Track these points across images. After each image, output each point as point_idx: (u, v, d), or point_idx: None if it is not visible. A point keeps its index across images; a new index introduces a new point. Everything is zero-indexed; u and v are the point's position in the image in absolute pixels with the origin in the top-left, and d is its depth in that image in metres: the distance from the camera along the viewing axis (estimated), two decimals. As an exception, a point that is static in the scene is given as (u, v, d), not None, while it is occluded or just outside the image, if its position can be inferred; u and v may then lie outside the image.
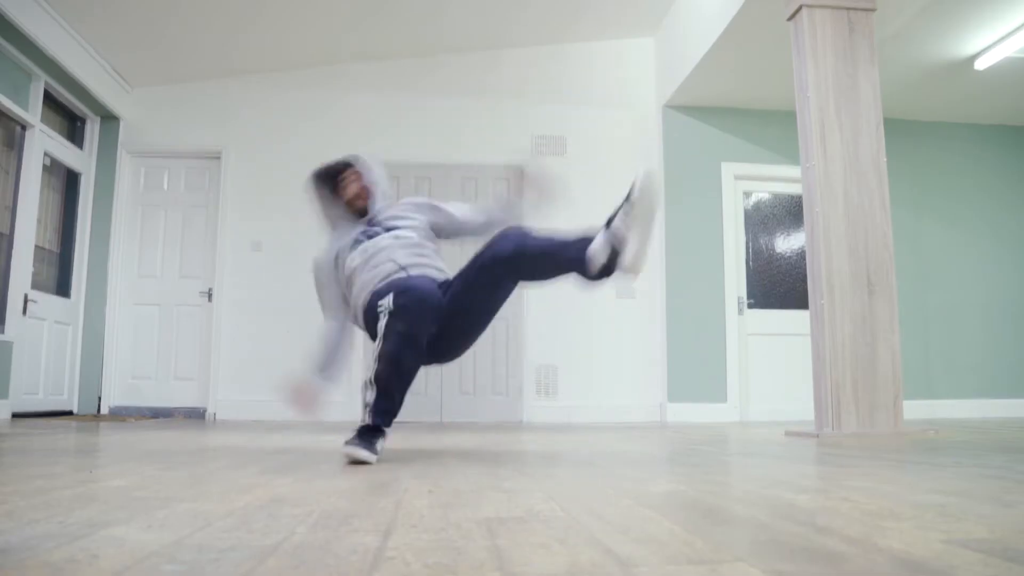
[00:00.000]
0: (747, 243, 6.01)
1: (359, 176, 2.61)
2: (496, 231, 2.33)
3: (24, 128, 5.13)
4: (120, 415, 5.56)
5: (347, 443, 2.03)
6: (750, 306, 5.91)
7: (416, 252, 2.45)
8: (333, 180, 2.64)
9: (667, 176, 5.93)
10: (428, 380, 5.65)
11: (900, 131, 6.15)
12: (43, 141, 5.28)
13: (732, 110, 6.03)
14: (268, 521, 1.06)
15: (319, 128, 6.01)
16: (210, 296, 5.83)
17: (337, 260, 2.52)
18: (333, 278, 2.53)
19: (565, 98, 6.16)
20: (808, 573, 0.74)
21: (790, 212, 6.08)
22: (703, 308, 5.79)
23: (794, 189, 5.97)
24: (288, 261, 5.82)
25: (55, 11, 4.90)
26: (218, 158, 5.98)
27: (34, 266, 5.23)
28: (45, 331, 5.31)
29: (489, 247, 2.24)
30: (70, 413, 5.57)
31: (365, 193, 2.59)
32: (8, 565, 0.77)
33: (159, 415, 5.66)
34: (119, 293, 5.85)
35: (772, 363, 5.82)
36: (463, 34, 5.91)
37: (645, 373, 5.84)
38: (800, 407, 5.59)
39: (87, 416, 5.41)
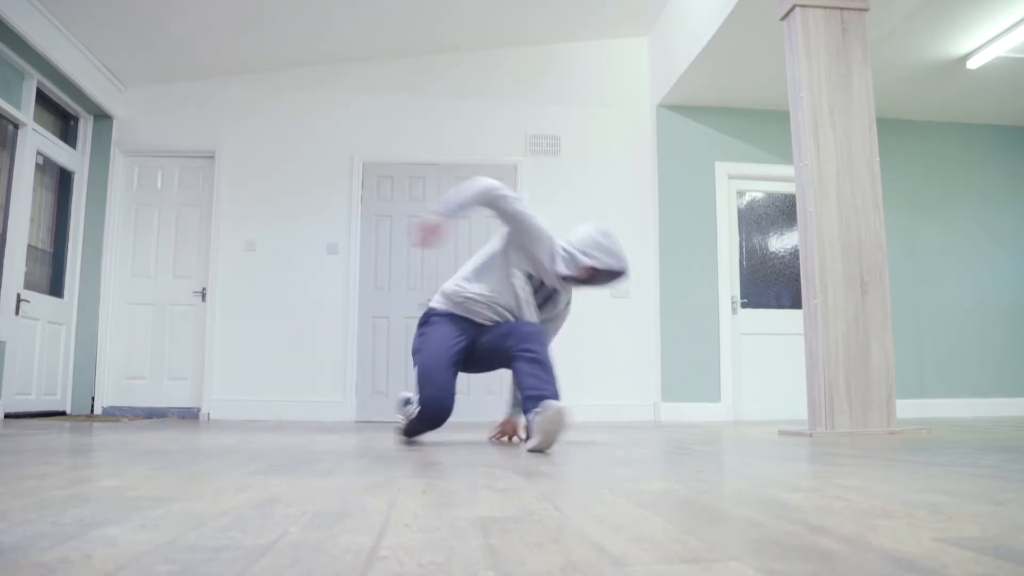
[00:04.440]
0: (741, 243, 6.02)
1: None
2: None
3: (16, 127, 5.11)
4: (113, 415, 5.55)
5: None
6: (743, 305, 5.92)
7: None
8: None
9: (661, 175, 5.95)
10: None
11: (893, 130, 6.18)
12: (36, 140, 5.26)
13: (726, 109, 6.04)
14: (262, 521, 1.06)
15: (313, 127, 6.00)
16: (204, 296, 5.82)
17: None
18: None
19: (559, 97, 6.16)
20: (801, 571, 0.74)
21: (783, 211, 6.10)
22: (697, 307, 5.80)
23: (788, 188, 5.99)
24: (282, 261, 5.82)
25: (47, 9, 4.88)
26: (212, 157, 5.97)
27: (27, 266, 5.21)
28: (38, 331, 5.29)
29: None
30: (63, 413, 5.55)
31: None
32: (0, 565, 0.76)
33: (153, 415, 5.64)
34: (112, 293, 5.83)
35: (766, 363, 5.83)
36: (458, 34, 5.91)
37: (639, 372, 5.85)
38: (793, 406, 5.61)
39: (80, 416, 5.39)
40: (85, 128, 5.93)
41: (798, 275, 5.56)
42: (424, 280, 5.83)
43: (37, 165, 5.37)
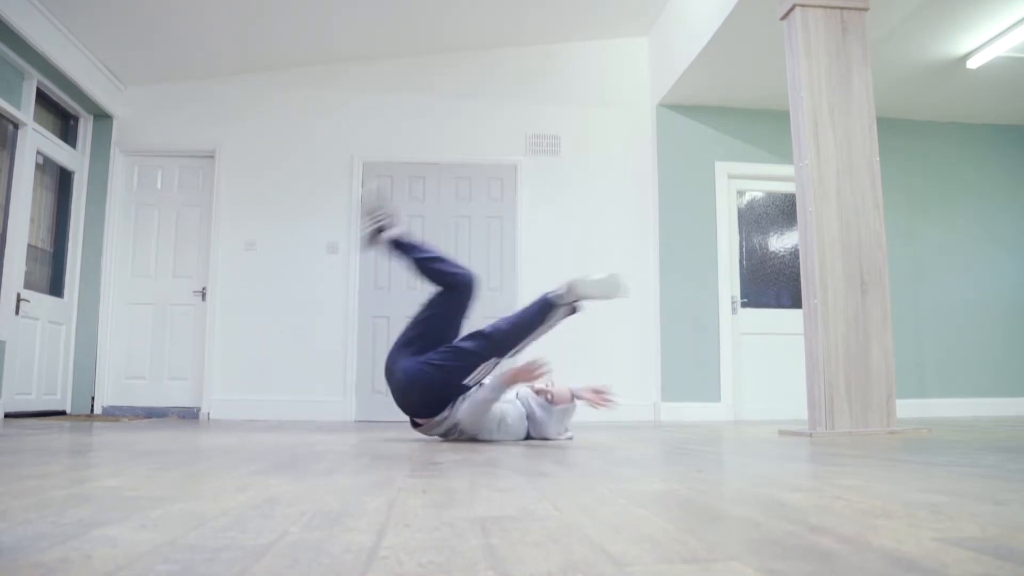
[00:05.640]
0: (740, 242, 6.02)
1: None
2: None
3: (16, 127, 5.11)
4: (113, 415, 5.55)
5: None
6: (743, 305, 5.92)
7: None
8: None
9: (661, 175, 5.95)
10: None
11: (893, 130, 6.18)
12: (36, 140, 5.26)
13: (726, 109, 6.04)
14: (262, 521, 1.06)
15: (313, 127, 6.00)
16: (204, 295, 5.82)
17: None
18: None
19: (560, 97, 6.16)
20: (801, 571, 0.74)
21: (783, 211, 6.10)
22: (697, 307, 5.80)
23: (788, 188, 5.99)
24: (282, 260, 5.82)
25: (47, 9, 4.88)
26: (212, 157, 5.96)
27: (27, 265, 5.21)
28: (38, 331, 5.29)
29: None
30: (63, 413, 5.56)
31: None
32: (0, 565, 0.76)
33: (153, 415, 5.64)
34: (112, 292, 5.83)
35: (766, 362, 5.83)
36: (458, 34, 5.91)
37: (639, 372, 5.84)
38: (793, 406, 5.61)
39: (80, 416, 5.39)
40: (85, 128, 5.93)
41: (798, 275, 5.55)
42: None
43: (37, 165, 5.37)
